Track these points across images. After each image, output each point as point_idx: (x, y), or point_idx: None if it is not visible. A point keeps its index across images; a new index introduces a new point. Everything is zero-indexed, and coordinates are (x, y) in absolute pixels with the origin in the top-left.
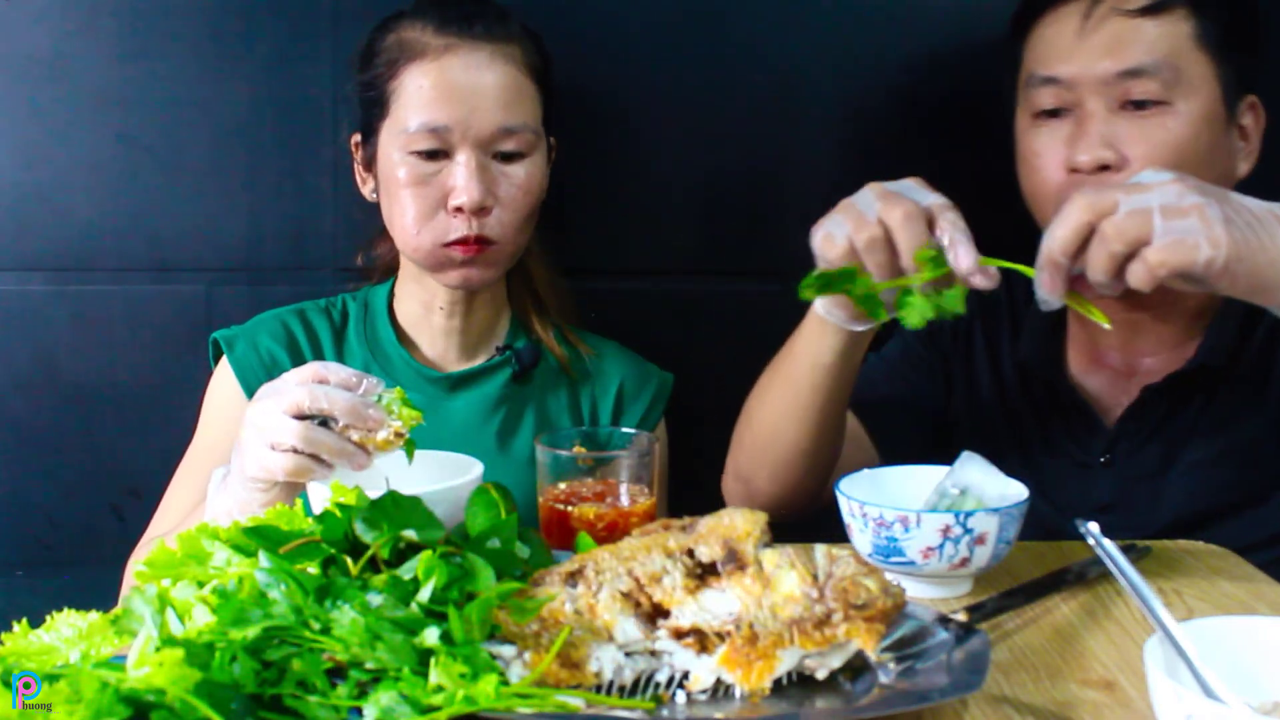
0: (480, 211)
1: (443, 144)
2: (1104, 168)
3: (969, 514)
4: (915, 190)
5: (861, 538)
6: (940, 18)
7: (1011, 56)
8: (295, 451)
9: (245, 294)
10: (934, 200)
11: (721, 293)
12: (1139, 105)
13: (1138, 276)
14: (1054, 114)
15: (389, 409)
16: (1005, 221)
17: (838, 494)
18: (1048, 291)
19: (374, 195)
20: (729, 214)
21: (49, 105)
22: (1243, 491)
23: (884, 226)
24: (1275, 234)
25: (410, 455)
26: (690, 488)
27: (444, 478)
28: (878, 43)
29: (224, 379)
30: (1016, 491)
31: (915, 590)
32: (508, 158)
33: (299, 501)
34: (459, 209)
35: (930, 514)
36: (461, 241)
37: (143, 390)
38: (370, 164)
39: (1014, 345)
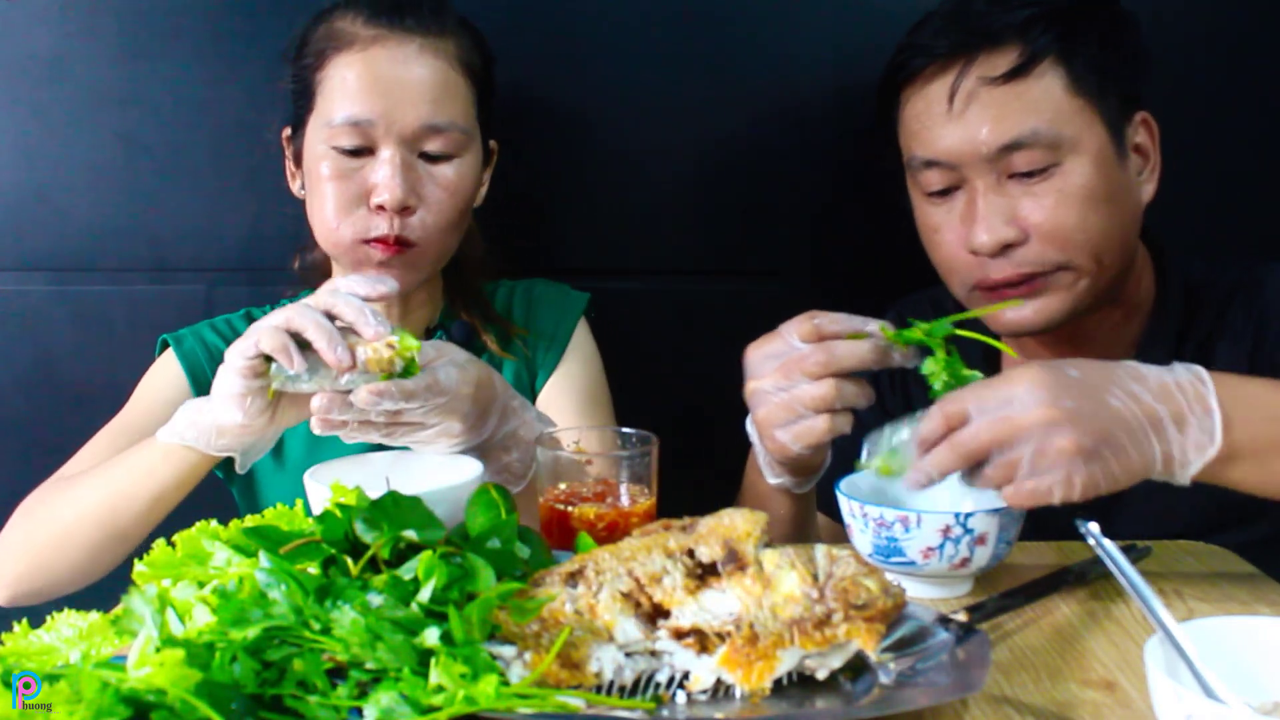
0: (403, 211)
1: (366, 140)
2: (1007, 245)
3: (969, 514)
4: (790, 343)
5: (861, 538)
6: None
7: (885, 128)
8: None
9: (245, 294)
10: (801, 330)
11: (721, 293)
12: (1027, 174)
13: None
14: (944, 192)
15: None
16: None
17: (838, 494)
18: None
19: (302, 192)
20: (728, 214)
21: (49, 105)
22: (1189, 518)
23: (829, 385)
24: (1141, 448)
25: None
26: (690, 488)
27: (444, 478)
28: (878, 42)
29: (166, 368)
30: None
31: (915, 590)
32: (435, 158)
33: (299, 501)
34: (380, 207)
35: (930, 514)
36: (381, 240)
37: None
38: (299, 159)
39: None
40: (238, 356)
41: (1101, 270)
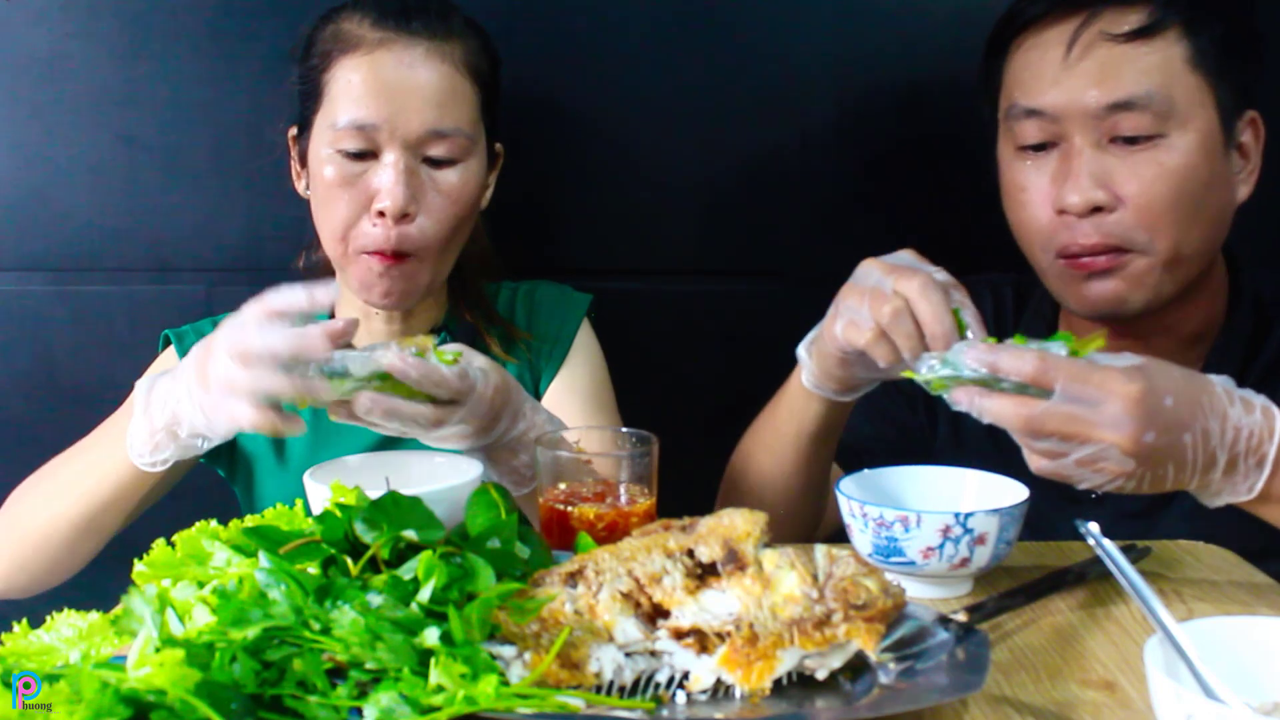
0: (403, 218)
1: (370, 143)
2: (1096, 209)
3: (969, 515)
4: (916, 262)
5: (861, 538)
6: (942, 14)
7: (989, 79)
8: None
9: (245, 294)
10: (942, 276)
11: (721, 293)
12: (1130, 140)
13: (1035, 462)
14: (1039, 148)
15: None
16: (1001, 225)
17: (838, 494)
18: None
19: (307, 192)
20: (728, 214)
21: (49, 105)
22: (1244, 544)
23: (902, 298)
24: (1182, 480)
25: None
26: (689, 488)
27: (444, 478)
28: (878, 41)
29: (166, 366)
30: (1017, 492)
31: (915, 590)
32: (439, 163)
33: (299, 501)
34: (381, 213)
35: (930, 514)
36: (379, 252)
37: None
38: (304, 159)
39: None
40: (256, 396)
41: (1177, 263)
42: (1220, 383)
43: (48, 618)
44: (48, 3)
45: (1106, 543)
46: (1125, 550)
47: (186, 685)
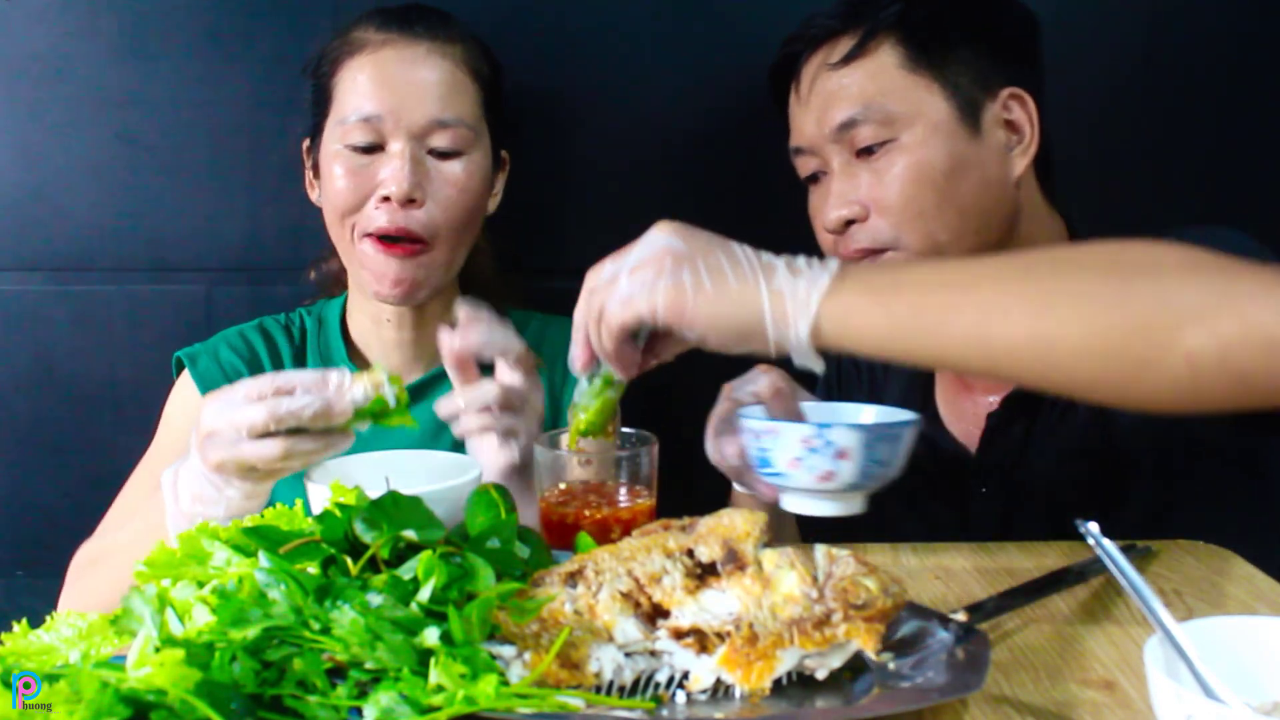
0: (410, 203)
1: (376, 135)
2: (850, 222)
3: (826, 425)
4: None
5: (746, 453)
6: None
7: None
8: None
9: (245, 294)
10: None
11: None
12: (869, 150)
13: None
14: (813, 179)
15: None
16: None
17: (738, 417)
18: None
19: (320, 200)
20: (729, 214)
21: (49, 105)
22: (1100, 498)
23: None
24: (744, 279)
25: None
26: (688, 488)
27: (444, 478)
28: None
29: (186, 391)
30: (904, 417)
31: (802, 508)
32: (444, 155)
33: (299, 501)
34: (386, 198)
35: (792, 425)
36: (384, 234)
37: (143, 390)
38: (317, 169)
39: (876, 395)
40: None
41: (938, 251)
42: None
43: (48, 618)
44: (48, 2)
45: (1106, 543)
46: (1125, 550)
47: (186, 685)
